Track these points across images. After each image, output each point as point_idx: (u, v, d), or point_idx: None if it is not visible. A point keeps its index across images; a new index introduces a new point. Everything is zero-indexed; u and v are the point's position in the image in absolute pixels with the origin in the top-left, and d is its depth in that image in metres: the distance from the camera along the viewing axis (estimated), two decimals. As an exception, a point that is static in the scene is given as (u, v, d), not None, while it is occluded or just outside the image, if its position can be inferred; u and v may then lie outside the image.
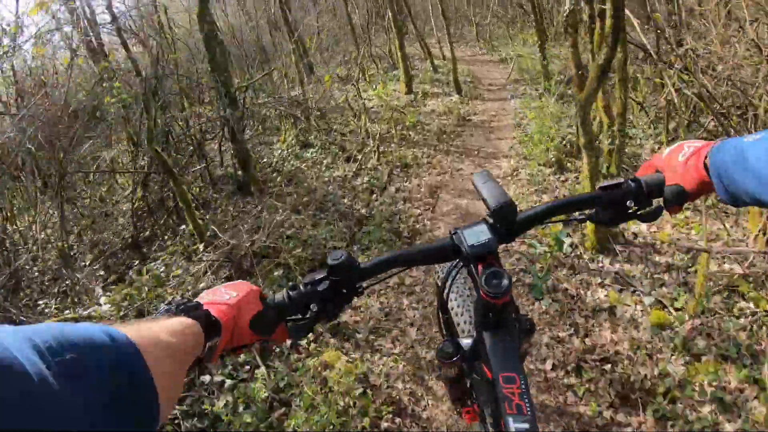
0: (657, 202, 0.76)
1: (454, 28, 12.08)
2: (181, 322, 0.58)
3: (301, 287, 0.74)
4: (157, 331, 0.50)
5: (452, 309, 1.22)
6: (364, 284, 0.77)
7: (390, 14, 7.10)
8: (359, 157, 4.65)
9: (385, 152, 4.81)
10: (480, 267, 0.75)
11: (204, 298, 0.70)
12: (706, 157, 0.68)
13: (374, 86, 7.36)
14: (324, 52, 9.62)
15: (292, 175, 4.55)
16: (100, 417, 0.36)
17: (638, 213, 0.76)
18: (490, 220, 0.77)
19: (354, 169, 4.46)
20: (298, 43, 7.46)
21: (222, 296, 0.70)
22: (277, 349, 2.34)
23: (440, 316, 0.98)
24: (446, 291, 0.92)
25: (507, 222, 0.77)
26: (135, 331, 0.45)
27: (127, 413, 0.39)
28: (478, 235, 0.76)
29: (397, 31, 7.10)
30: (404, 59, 7.10)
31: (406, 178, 4.35)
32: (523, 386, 0.69)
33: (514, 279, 2.64)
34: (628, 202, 0.75)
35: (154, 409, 0.42)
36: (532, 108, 5.32)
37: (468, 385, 1.04)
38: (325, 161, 4.78)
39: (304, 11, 10.83)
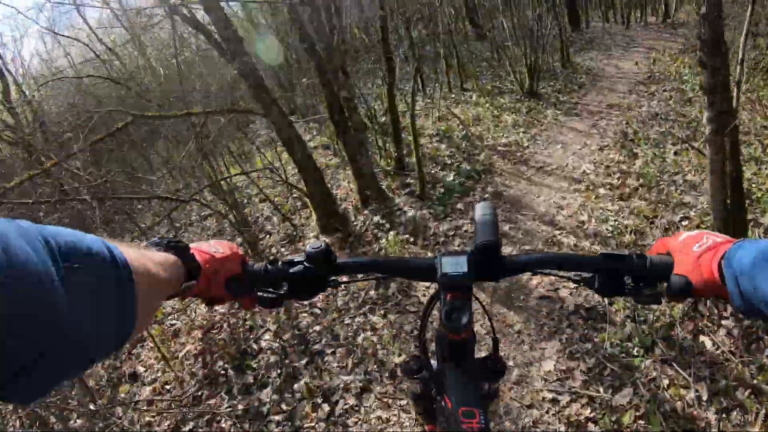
0: (661, 286, 0.70)
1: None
2: (167, 257, 0.61)
3: (279, 264, 0.78)
4: (148, 260, 0.52)
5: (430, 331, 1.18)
6: (340, 279, 0.79)
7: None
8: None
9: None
10: (448, 297, 0.74)
11: (193, 244, 0.72)
12: (722, 257, 0.59)
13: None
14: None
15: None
16: (88, 324, 0.39)
17: (636, 293, 0.71)
18: (473, 255, 0.75)
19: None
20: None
21: (210, 248, 0.73)
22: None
23: (420, 334, 0.95)
24: (429, 310, 0.88)
25: (488, 261, 0.75)
26: (131, 255, 0.47)
27: (110, 328, 0.43)
28: (454, 265, 0.74)
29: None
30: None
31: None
32: (482, 422, 0.67)
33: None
34: (626, 278, 0.71)
35: (129, 330, 0.45)
36: None
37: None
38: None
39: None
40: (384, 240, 4.10)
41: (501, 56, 8.85)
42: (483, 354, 0.83)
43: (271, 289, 0.78)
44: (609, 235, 3.57)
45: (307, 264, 0.76)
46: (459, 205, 4.40)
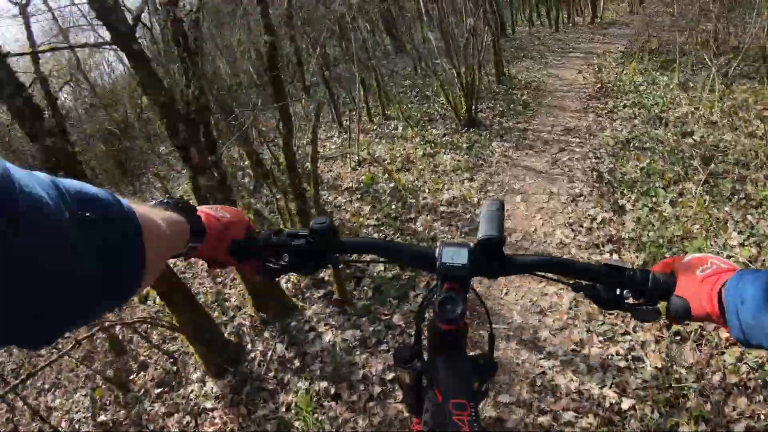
0: (660, 305, 0.68)
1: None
2: (174, 216, 0.59)
3: (282, 236, 0.76)
4: (157, 218, 0.52)
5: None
6: (341, 257, 0.78)
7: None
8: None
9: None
10: (444, 287, 0.72)
11: (200, 207, 0.71)
12: (722, 285, 0.58)
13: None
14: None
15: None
16: (98, 271, 0.38)
17: (634, 308, 0.69)
18: (474, 249, 0.72)
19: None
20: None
21: (216, 212, 0.72)
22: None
23: (417, 324, 0.86)
24: (427, 301, 0.83)
25: (490, 257, 0.72)
26: (140, 209, 0.46)
27: (118, 276, 0.42)
28: (454, 256, 0.72)
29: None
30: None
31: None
32: (473, 414, 0.66)
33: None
34: (626, 291, 0.69)
35: (137, 281, 0.45)
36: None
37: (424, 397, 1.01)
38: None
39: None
40: (292, 395, 2.57)
41: (426, 72, 7.55)
42: (477, 352, 0.82)
43: (272, 260, 0.76)
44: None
45: (310, 238, 0.74)
46: (397, 318, 2.91)
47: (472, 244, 0.73)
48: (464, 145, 5.10)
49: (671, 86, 5.92)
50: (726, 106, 4.88)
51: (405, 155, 5.21)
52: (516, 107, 6.06)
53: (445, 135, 5.52)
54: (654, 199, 3.56)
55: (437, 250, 0.73)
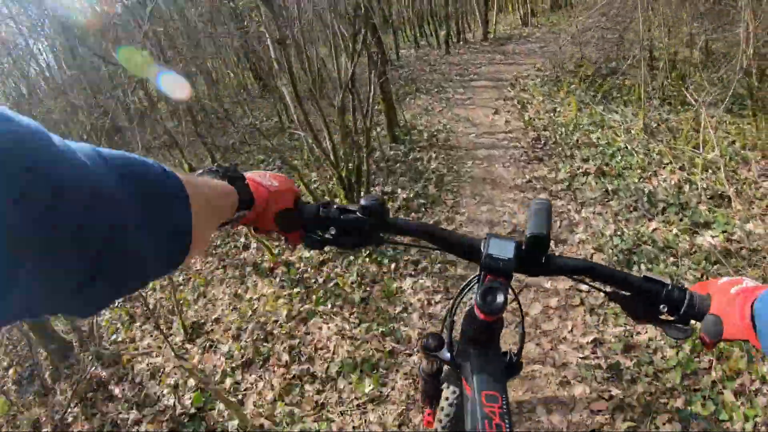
0: (693, 324, 0.68)
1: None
2: (222, 184, 0.60)
3: (332, 209, 0.75)
4: (203, 185, 0.52)
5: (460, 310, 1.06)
6: (386, 237, 0.78)
7: None
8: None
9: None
10: (487, 278, 0.71)
11: (249, 173, 0.71)
12: (755, 300, 0.58)
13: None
14: None
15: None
16: (145, 236, 0.37)
17: (667, 323, 0.69)
18: (521, 245, 0.73)
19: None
20: None
21: (265, 180, 0.72)
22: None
23: (449, 313, 0.86)
24: (464, 292, 0.84)
25: (536, 255, 0.72)
26: (188, 180, 0.46)
27: (164, 244, 0.41)
28: (501, 249, 0.72)
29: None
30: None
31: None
32: (505, 407, 0.67)
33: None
34: (662, 306, 0.69)
35: (184, 249, 0.44)
36: None
37: (441, 389, 1.03)
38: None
39: None
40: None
41: (295, 130, 5.30)
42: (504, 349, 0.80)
43: (318, 232, 0.76)
44: None
45: (360, 215, 0.74)
46: None
47: (519, 241, 0.73)
48: (355, 296, 2.88)
49: (633, 130, 4.20)
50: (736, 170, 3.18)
51: (258, 323, 2.88)
52: (427, 188, 3.98)
53: (321, 266, 3.27)
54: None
55: (484, 241, 0.74)
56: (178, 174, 0.44)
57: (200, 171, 0.63)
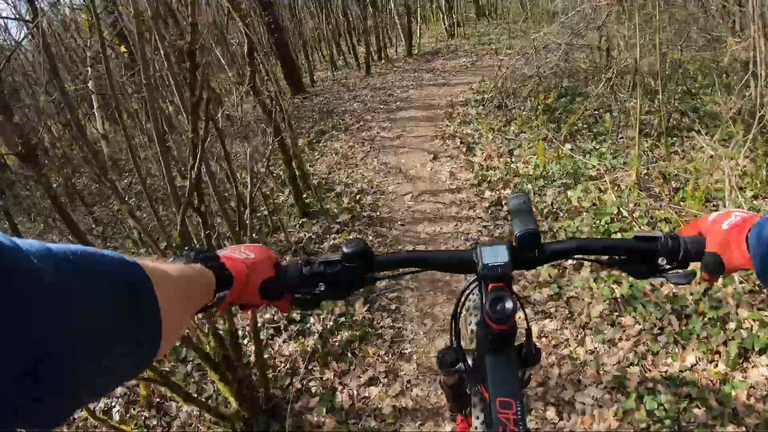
0: (693, 266, 0.69)
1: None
2: (195, 268, 0.57)
3: (315, 265, 0.73)
4: (169, 270, 0.48)
5: (464, 320, 1.15)
6: (378, 275, 0.76)
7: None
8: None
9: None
10: (490, 287, 0.70)
11: (223, 252, 0.68)
12: (749, 230, 0.60)
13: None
14: None
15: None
16: (107, 339, 0.34)
17: (668, 273, 0.70)
18: (513, 245, 0.72)
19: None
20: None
21: (240, 254, 0.69)
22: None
23: (453, 323, 0.85)
24: (462, 301, 0.83)
25: (529, 250, 0.72)
26: (150, 265, 0.42)
27: (130, 342, 0.38)
28: (495, 255, 0.71)
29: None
30: None
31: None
32: (519, 412, 0.67)
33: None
34: (661, 259, 0.69)
35: (153, 346, 0.40)
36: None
37: (469, 395, 1.03)
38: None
39: None
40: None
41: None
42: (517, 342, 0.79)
43: (307, 290, 0.74)
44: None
45: (345, 263, 0.72)
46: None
47: (509, 240, 0.73)
48: None
49: (624, 185, 3.08)
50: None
51: None
52: (352, 309, 2.62)
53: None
54: None
55: (475, 251, 0.72)
56: (140, 261, 0.41)
57: (171, 259, 0.60)
